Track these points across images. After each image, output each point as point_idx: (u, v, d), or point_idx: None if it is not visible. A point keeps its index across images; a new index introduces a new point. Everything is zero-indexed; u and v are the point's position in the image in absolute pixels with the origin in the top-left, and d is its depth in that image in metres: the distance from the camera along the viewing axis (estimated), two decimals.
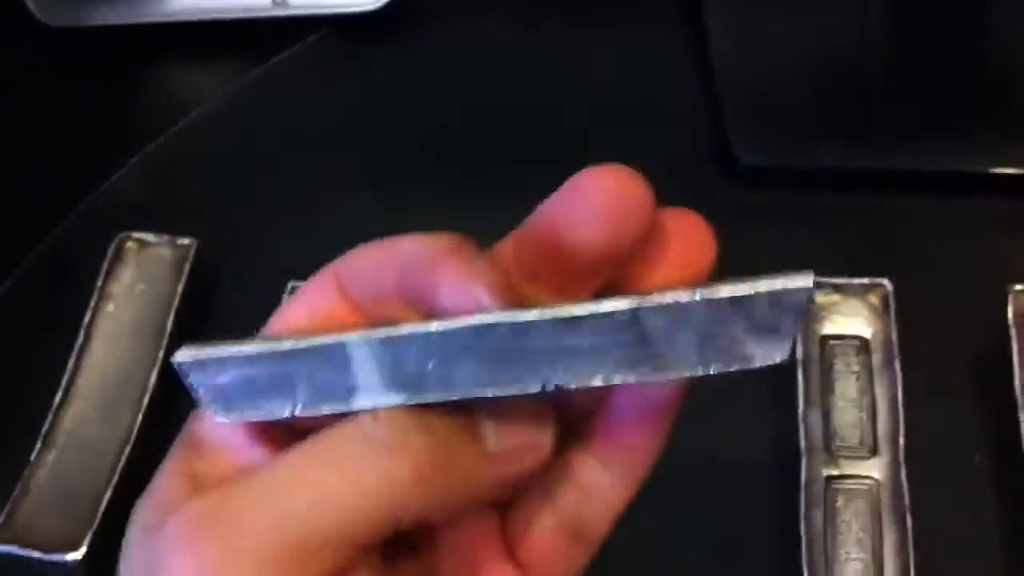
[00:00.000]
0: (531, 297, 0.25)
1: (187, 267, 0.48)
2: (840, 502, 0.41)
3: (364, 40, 0.57)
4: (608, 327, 0.24)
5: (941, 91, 0.53)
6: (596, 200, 0.25)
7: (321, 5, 0.57)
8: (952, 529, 0.41)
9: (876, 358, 0.44)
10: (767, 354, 0.25)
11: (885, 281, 0.45)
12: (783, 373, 0.44)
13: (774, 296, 0.24)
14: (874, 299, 0.45)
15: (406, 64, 0.57)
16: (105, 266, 0.48)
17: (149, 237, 0.48)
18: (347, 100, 0.55)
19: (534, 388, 0.24)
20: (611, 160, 0.55)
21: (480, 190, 0.53)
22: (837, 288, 0.45)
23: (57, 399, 0.44)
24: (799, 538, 0.40)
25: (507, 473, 0.25)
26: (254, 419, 0.26)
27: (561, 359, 0.24)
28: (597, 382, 0.24)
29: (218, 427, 0.26)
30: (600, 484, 0.27)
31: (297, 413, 0.25)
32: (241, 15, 0.57)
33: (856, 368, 0.44)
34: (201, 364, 0.26)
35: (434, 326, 0.24)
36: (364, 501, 0.23)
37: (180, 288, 0.47)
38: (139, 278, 0.48)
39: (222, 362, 0.26)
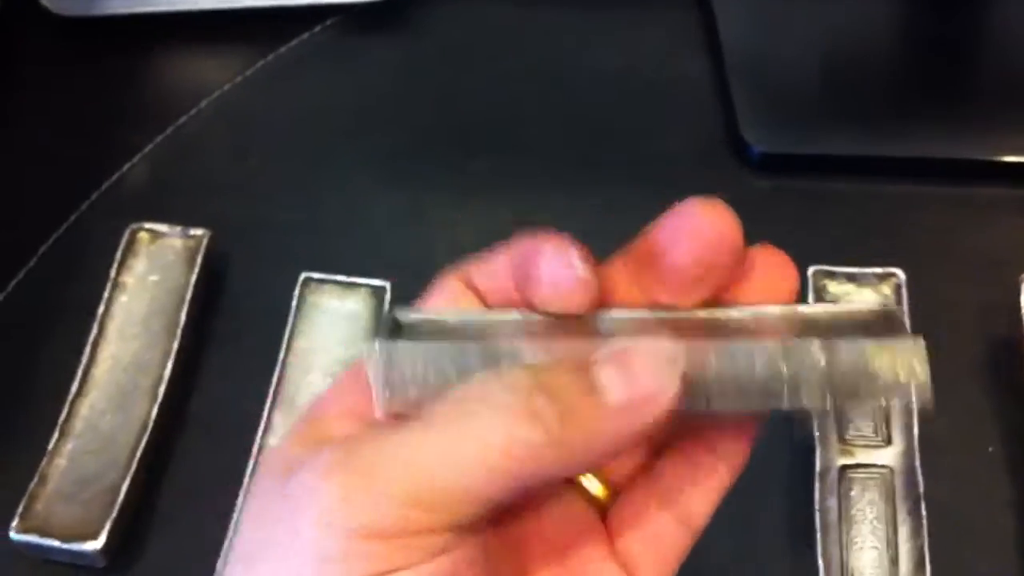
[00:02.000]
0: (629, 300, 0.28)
1: (199, 258, 0.48)
2: (855, 490, 0.42)
3: (372, 30, 0.57)
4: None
5: (953, 78, 0.53)
6: (694, 230, 0.28)
7: None
8: (966, 517, 0.42)
9: None
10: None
11: (898, 270, 0.45)
12: None
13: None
14: (887, 288, 0.45)
15: (413, 54, 0.57)
16: (118, 257, 0.48)
17: (161, 228, 0.48)
18: (357, 89, 0.55)
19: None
20: (621, 146, 0.55)
21: (489, 178, 0.53)
22: (850, 278, 0.46)
23: (73, 389, 0.44)
24: (814, 526, 0.41)
25: (629, 425, 0.25)
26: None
27: None
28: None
29: (341, 404, 0.27)
30: (707, 468, 0.29)
31: None
32: (250, 5, 0.57)
33: None
34: (392, 357, 0.26)
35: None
36: (488, 461, 0.24)
37: (193, 278, 0.47)
38: (152, 269, 0.48)
39: (414, 350, 0.26)
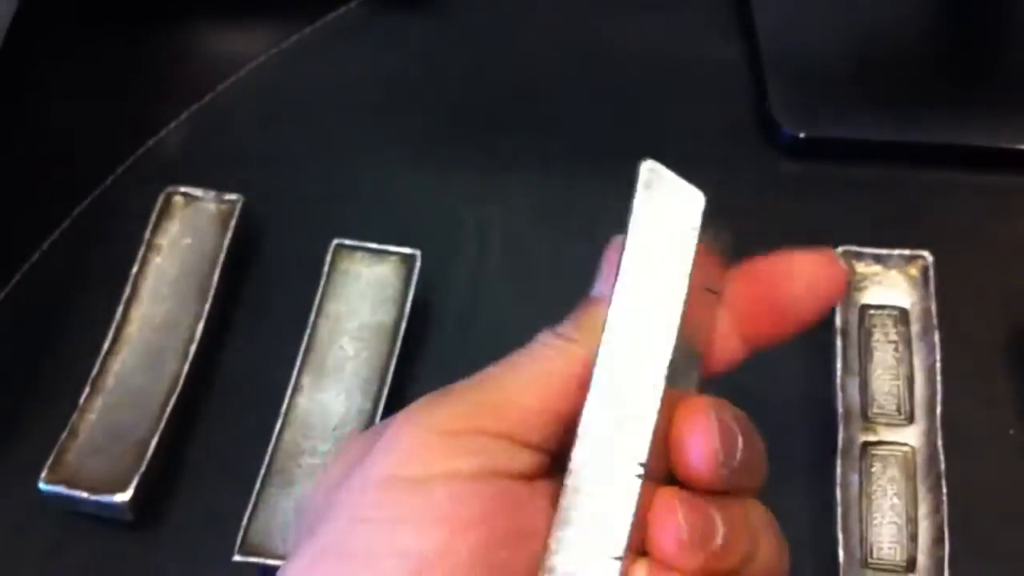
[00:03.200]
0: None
1: (233, 222, 0.48)
2: (876, 467, 0.42)
3: (405, 7, 0.58)
4: None
5: (986, 65, 0.53)
6: (818, 280, 0.31)
7: None
8: (986, 496, 0.42)
9: (915, 328, 0.44)
10: None
11: (926, 253, 0.45)
12: (822, 341, 0.44)
13: None
14: (914, 271, 0.46)
15: (445, 31, 0.57)
16: (152, 219, 0.48)
17: (196, 192, 0.49)
18: (392, 64, 0.56)
19: None
20: (652, 128, 0.55)
21: (516, 155, 0.53)
22: (878, 259, 0.46)
23: (105, 347, 0.45)
24: (835, 501, 0.41)
25: None
26: None
27: None
28: None
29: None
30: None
31: None
32: None
33: (895, 338, 0.44)
34: None
35: None
36: (564, 377, 0.28)
37: (226, 242, 0.48)
38: (185, 232, 0.49)
39: None
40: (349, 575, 0.26)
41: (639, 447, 0.27)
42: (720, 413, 0.29)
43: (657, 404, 0.28)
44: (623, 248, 0.29)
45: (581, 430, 0.28)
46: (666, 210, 0.30)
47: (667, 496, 0.28)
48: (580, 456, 0.28)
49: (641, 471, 0.27)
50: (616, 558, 0.27)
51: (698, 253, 0.29)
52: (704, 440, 0.28)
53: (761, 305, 0.31)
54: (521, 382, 0.28)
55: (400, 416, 0.28)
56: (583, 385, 0.28)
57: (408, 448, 0.27)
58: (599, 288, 0.30)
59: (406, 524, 0.26)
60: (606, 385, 0.28)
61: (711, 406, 0.29)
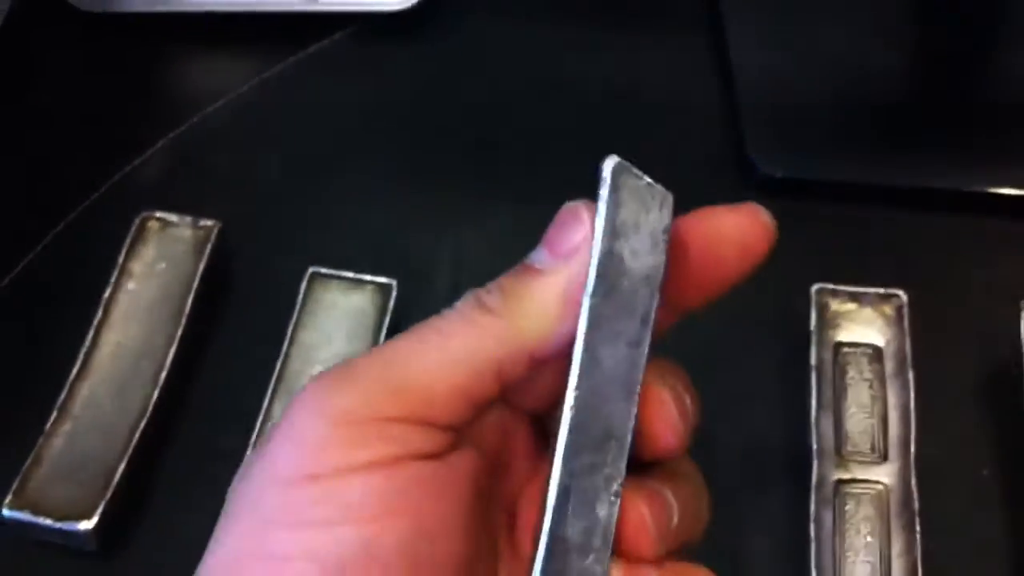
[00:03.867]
0: None
1: (208, 248, 0.48)
2: (850, 505, 0.42)
3: (391, 38, 0.58)
4: None
5: (961, 109, 0.54)
6: (746, 239, 0.30)
7: (350, 3, 0.58)
8: (960, 536, 0.42)
9: (889, 366, 0.45)
10: None
11: (900, 292, 0.46)
12: (796, 378, 0.44)
13: None
14: (888, 309, 0.46)
15: (430, 62, 0.58)
16: (127, 244, 0.48)
17: (171, 217, 0.49)
18: (371, 95, 0.56)
19: None
20: (629, 161, 0.55)
21: (500, 188, 0.53)
22: (852, 297, 0.46)
23: (74, 372, 0.45)
24: (808, 539, 0.41)
25: (566, 279, 0.28)
26: None
27: None
28: None
29: None
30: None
31: None
32: (270, 9, 0.58)
33: (869, 376, 0.45)
34: None
35: None
36: (477, 357, 0.27)
37: (201, 268, 0.47)
38: (160, 257, 0.48)
39: None
40: None
41: (617, 468, 0.27)
42: (672, 389, 0.29)
43: (632, 420, 0.27)
44: (593, 251, 0.27)
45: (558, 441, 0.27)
46: (636, 213, 0.29)
47: (634, 502, 0.27)
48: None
49: (618, 489, 0.27)
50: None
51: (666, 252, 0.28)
52: (670, 429, 0.28)
53: (687, 271, 0.29)
54: (428, 363, 0.27)
55: (298, 404, 0.27)
56: (498, 366, 0.27)
57: (312, 442, 0.26)
58: (538, 257, 0.28)
59: (319, 528, 0.25)
60: (584, 388, 0.27)
61: (667, 392, 0.28)
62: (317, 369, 0.45)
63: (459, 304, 0.28)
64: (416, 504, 0.26)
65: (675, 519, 0.28)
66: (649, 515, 0.27)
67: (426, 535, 0.26)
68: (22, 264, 0.50)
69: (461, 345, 0.27)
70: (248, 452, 0.43)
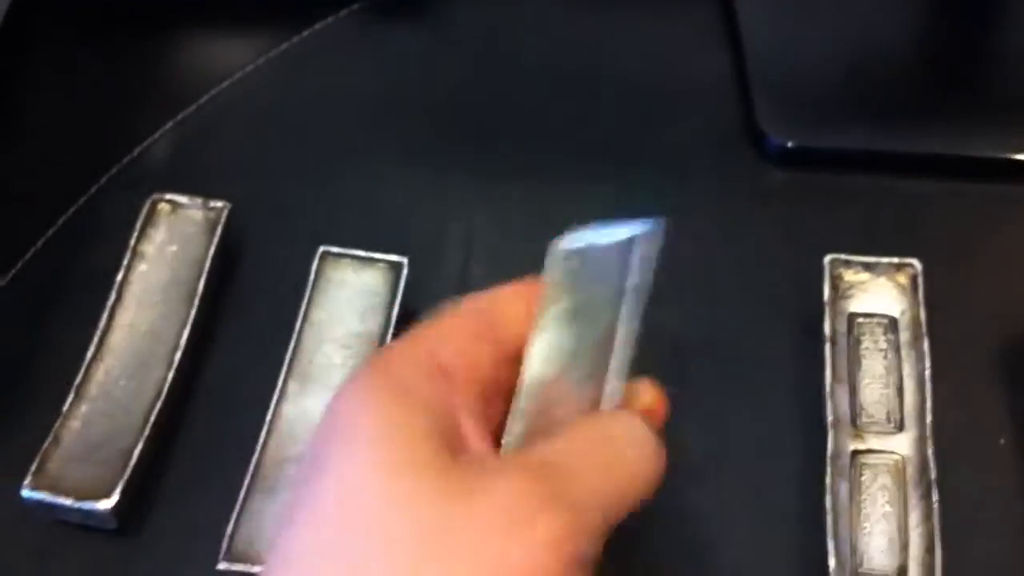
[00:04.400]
0: None
1: (219, 230, 0.48)
2: (866, 476, 0.42)
3: (397, 15, 0.58)
4: None
5: (974, 74, 0.54)
6: None
7: None
8: (977, 505, 0.42)
9: (904, 337, 0.44)
10: None
11: (915, 261, 0.45)
12: (811, 350, 0.44)
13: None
14: (903, 279, 0.45)
15: (437, 40, 0.57)
16: (138, 226, 0.48)
17: (182, 199, 0.49)
18: (378, 73, 0.56)
19: None
20: (640, 138, 0.54)
21: (504, 164, 0.53)
22: (866, 267, 0.46)
23: (89, 354, 0.45)
24: (825, 510, 0.41)
25: None
26: None
27: None
28: None
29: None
30: None
31: None
32: None
33: (884, 346, 0.44)
34: None
35: None
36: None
37: (211, 250, 0.47)
38: (171, 239, 0.48)
39: None
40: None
41: None
42: None
43: None
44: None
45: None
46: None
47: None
48: None
49: None
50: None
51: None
52: None
53: None
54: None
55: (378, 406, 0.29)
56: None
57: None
58: None
59: None
60: None
61: None
62: (330, 348, 0.45)
63: None
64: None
65: None
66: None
67: None
68: (34, 248, 0.50)
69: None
70: (263, 432, 0.43)
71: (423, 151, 0.53)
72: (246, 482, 0.42)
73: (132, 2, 0.57)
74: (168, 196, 0.49)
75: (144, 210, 0.48)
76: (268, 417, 0.43)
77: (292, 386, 0.44)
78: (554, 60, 0.56)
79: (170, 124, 0.54)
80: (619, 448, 0.30)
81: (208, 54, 0.58)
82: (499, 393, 0.32)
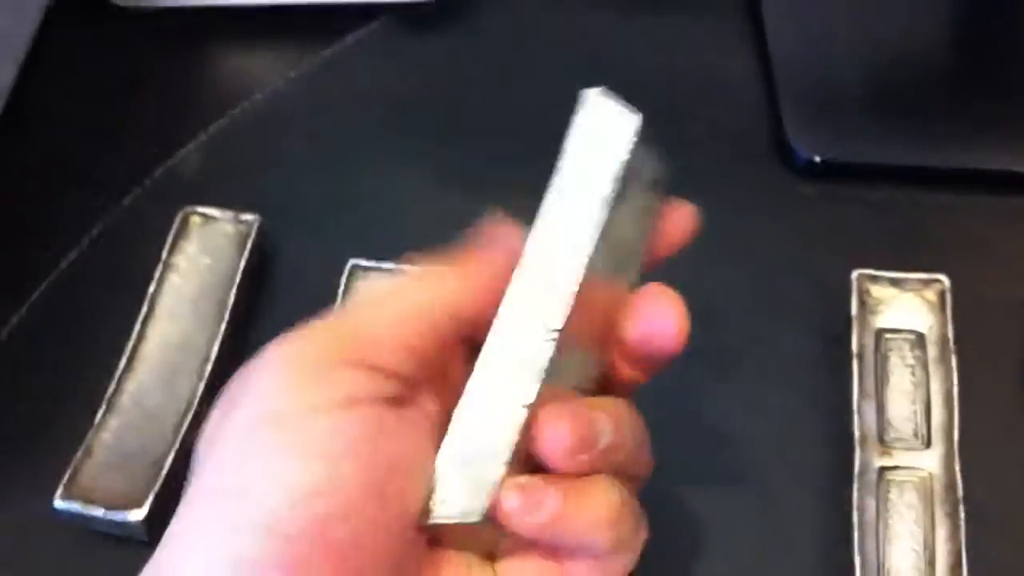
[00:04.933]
0: None
1: (249, 243, 0.48)
2: (893, 492, 0.41)
3: (423, 28, 0.58)
4: None
5: (1004, 89, 0.53)
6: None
7: None
8: (1004, 520, 0.42)
9: (931, 352, 0.44)
10: None
11: (943, 276, 0.45)
12: (838, 365, 0.44)
13: None
14: (931, 294, 0.45)
15: (465, 50, 0.58)
16: (170, 239, 0.49)
17: (213, 212, 0.49)
18: (408, 85, 0.56)
19: None
20: (668, 149, 0.54)
21: (536, 178, 0.53)
22: (894, 282, 0.46)
23: (121, 365, 0.45)
24: (852, 526, 0.41)
25: None
26: None
27: None
28: None
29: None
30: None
31: None
32: (305, 1, 0.58)
33: (911, 362, 0.44)
34: None
35: None
36: (426, 309, 0.31)
37: (242, 263, 0.48)
38: (203, 252, 0.49)
39: None
40: (238, 512, 0.27)
41: (555, 316, 0.30)
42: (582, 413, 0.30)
43: (575, 286, 0.31)
44: (557, 165, 0.33)
45: (501, 307, 0.31)
46: (601, 130, 0.33)
47: (555, 416, 0.30)
48: (498, 323, 0.30)
49: (555, 336, 0.30)
50: (525, 406, 0.30)
51: (629, 168, 0.32)
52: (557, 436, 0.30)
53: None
54: (378, 314, 0.31)
55: (265, 356, 0.30)
56: (450, 317, 0.31)
57: (279, 385, 0.29)
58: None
59: (289, 458, 0.27)
60: (528, 272, 0.31)
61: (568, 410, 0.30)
62: None
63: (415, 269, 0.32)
64: (377, 445, 0.28)
65: (603, 441, 0.30)
66: (569, 429, 0.30)
67: (390, 473, 0.28)
68: (67, 260, 0.50)
69: (410, 298, 0.31)
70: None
71: (453, 162, 0.54)
72: None
73: (165, 15, 0.58)
74: (200, 209, 0.49)
75: (176, 223, 0.49)
76: None
77: None
78: (578, 69, 0.57)
79: (202, 137, 0.55)
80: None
81: (239, 67, 0.59)
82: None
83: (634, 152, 0.32)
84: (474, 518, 0.29)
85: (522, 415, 0.30)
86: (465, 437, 0.30)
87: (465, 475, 0.29)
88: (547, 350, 0.30)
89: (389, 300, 0.31)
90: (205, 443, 0.30)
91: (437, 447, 0.30)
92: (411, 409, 0.30)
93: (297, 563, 0.26)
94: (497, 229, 0.34)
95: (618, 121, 0.33)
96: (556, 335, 0.30)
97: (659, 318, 0.32)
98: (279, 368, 0.29)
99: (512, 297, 0.31)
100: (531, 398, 0.30)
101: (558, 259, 0.31)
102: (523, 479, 0.30)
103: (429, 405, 0.31)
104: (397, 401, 0.29)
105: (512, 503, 0.29)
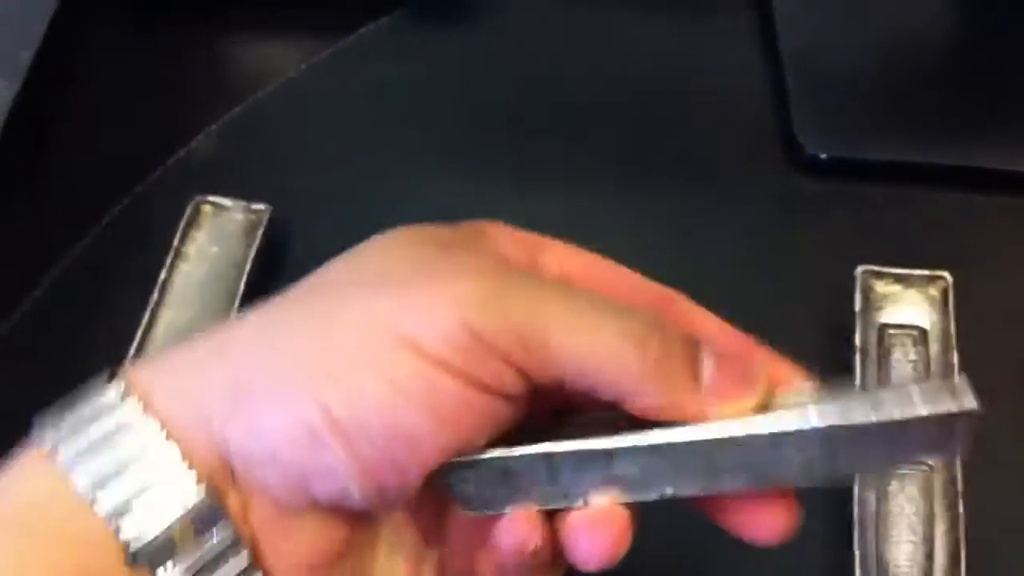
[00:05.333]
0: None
1: (260, 232, 0.49)
2: (893, 486, 0.42)
3: (439, 19, 0.59)
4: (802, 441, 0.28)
5: (1010, 88, 0.53)
6: None
7: None
8: (1004, 516, 0.42)
9: (934, 349, 0.45)
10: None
11: (945, 273, 0.46)
12: (840, 361, 0.45)
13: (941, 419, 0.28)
14: (934, 291, 0.46)
15: (478, 44, 0.58)
16: (181, 227, 0.49)
17: (224, 201, 0.50)
18: (421, 77, 0.57)
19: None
20: (677, 145, 0.54)
21: (543, 170, 0.54)
22: (897, 279, 0.46)
23: (131, 351, 0.46)
24: (852, 519, 0.41)
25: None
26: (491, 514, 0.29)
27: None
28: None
29: None
30: None
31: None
32: None
33: (914, 357, 0.45)
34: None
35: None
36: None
37: (252, 252, 0.49)
38: (213, 240, 0.49)
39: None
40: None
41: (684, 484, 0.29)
42: None
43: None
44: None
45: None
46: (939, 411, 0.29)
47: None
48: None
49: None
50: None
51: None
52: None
53: None
54: (565, 327, 0.28)
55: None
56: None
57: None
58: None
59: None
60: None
61: None
62: None
63: None
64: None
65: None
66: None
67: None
68: (80, 245, 0.51)
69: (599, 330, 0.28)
70: None
71: (463, 155, 0.54)
72: None
73: (181, 4, 0.58)
74: (211, 198, 0.50)
75: (187, 211, 0.49)
76: None
77: None
78: (590, 64, 0.57)
79: (214, 126, 0.55)
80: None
81: (253, 58, 0.59)
82: None
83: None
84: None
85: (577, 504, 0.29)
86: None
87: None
88: (650, 496, 0.29)
89: (587, 316, 0.28)
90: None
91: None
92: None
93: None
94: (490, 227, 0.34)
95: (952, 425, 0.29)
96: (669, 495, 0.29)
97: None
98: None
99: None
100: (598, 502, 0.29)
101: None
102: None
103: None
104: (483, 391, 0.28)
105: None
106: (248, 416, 0.28)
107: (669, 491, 0.29)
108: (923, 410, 0.27)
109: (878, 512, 0.41)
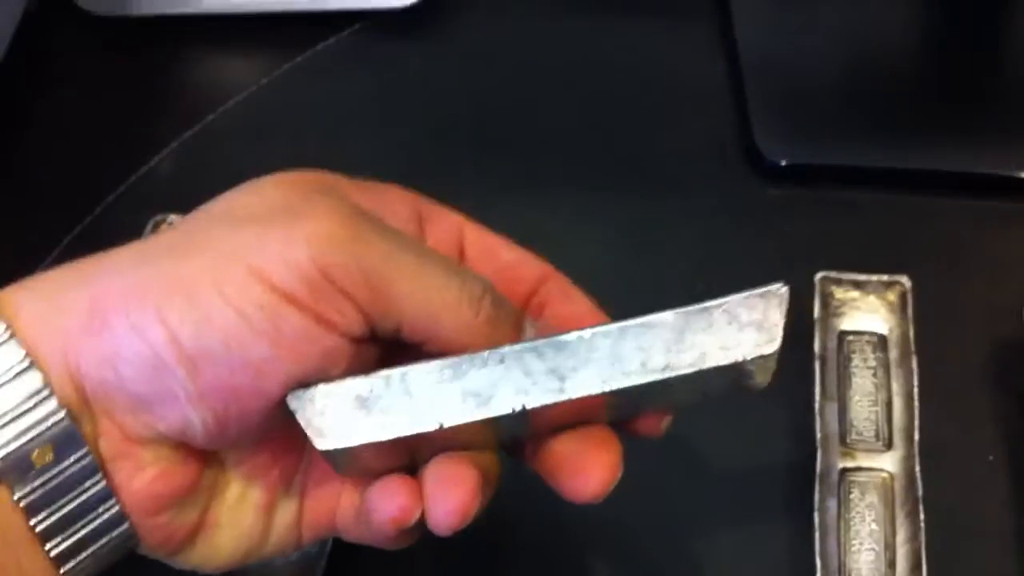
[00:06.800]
0: None
1: None
2: (854, 493, 0.42)
3: (398, 35, 0.59)
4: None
5: (967, 92, 0.54)
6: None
7: (357, 1, 0.59)
8: (965, 522, 0.42)
9: (893, 354, 0.45)
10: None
11: (904, 278, 0.46)
12: (801, 368, 0.45)
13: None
14: (892, 296, 0.46)
15: (438, 59, 0.58)
16: None
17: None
18: (382, 92, 0.57)
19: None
20: (637, 151, 0.54)
21: (509, 181, 0.54)
22: (856, 285, 0.46)
23: None
24: (813, 527, 0.41)
25: None
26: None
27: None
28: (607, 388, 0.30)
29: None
30: None
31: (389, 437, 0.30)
32: (279, 9, 0.58)
33: (873, 364, 0.45)
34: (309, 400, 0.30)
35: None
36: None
37: None
38: None
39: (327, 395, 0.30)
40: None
41: (535, 399, 0.30)
42: None
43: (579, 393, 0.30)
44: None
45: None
46: (744, 323, 0.34)
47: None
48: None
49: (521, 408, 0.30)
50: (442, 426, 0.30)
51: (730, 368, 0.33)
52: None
53: None
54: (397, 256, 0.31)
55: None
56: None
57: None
58: None
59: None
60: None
61: None
62: None
63: None
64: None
65: None
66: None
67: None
68: (41, 267, 0.51)
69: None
70: None
71: (424, 169, 0.54)
72: None
73: (138, 23, 0.58)
74: (172, 216, 0.50)
75: (147, 229, 0.49)
76: None
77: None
78: (550, 75, 0.57)
79: (175, 144, 0.55)
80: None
81: (213, 74, 0.59)
82: None
83: (750, 364, 0.32)
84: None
85: (433, 428, 0.30)
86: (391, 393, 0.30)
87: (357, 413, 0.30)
88: (504, 408, 0.30)
89: (422, 259, 0.31)
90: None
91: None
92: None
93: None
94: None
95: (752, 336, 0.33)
96: (522, 409, 0.30)
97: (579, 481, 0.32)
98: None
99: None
100: (454, 421, 0.30)
101: (590, 361, 0.30)
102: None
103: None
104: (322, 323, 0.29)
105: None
106: (98, 339, 0.29)
107: (521, 403, 0.30)
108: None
109: (840, 520, 0.41)
